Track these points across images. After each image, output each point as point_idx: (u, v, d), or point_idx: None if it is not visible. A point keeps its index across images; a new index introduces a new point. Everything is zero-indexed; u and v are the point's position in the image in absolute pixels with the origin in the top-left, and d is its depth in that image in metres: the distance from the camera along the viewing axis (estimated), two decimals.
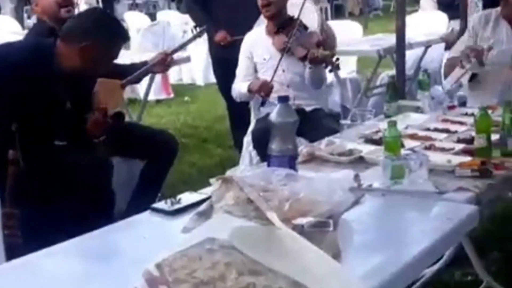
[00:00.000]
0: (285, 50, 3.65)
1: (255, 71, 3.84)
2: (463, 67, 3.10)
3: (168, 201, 1.92)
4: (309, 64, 3.59)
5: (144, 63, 3.59)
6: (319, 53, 3.52)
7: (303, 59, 3.63)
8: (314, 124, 3.42)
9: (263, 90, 3.62)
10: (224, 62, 4.37)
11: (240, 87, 3.81)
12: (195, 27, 3.94)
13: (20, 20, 9.00)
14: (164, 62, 3.55)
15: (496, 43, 3.17)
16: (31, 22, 10.04)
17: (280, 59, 3.65)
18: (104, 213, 2.80)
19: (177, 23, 8.75)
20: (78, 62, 2.81)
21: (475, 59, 3.08)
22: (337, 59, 3.58)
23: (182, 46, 4.06)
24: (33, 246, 1.96)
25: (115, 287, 1.34)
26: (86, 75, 2.92)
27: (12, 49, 2.90)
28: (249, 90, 3.70)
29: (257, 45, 3.83)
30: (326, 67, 3.60)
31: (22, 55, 2.79)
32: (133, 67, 3.57)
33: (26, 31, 8.02)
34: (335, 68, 3.64)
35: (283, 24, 3.75)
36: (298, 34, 3.66)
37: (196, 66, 7.69)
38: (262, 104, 3.69)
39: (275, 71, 3.64)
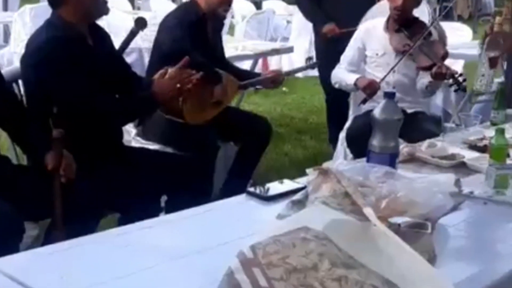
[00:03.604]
0: (405, 54, 3.52)
1: (364, 62, 3.76)
2: None
3: (263, 187, 1.94)
4: (431, 78, 3.45)
5: (258, 74, 3.81)
6: (447, 70, 3.36)
7: (425, 69, 3.50)
8: (415, 125, 3.33)
9: (370, 89, 3.52)
10: (329, 54, 4.34)
11: (345, 76, 3.71)
12: (309, 58, 4.07)
13: (131, 0, 9.29)
14: (276, 80, 3.65)
15: None
16: (140, 2, 10.35)
17: (399, 61, 3.53)
18: (204, 192, 2.87)
19: (282, 13, 8.77)
20: (77, 11, 2.55)
21: None
22: (464, 79, 3.40)
23: (295, 72, 4.16)
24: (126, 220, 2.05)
25: (210, 265, 1.37)
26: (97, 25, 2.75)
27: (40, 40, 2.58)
28: (355, 84, 3.62)
29: (373, 37, 3.73)
30: (451, 86, 3.45)
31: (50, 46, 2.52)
32: (249, 73, 3.87)
33: (136, 11, 8.31)
34: (462, 89, 3.45)
35: (405, 24, 3.64)
36: (422, 41, 3.53)
37: (297, 58, 7.69)
38: (364, 102, 3.61)
39: (388, 72, 3.53)
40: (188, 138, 3.19)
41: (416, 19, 3.70)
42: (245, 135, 3.51)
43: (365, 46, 3.74)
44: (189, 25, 3.32)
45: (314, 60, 4.16)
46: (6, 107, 2.48)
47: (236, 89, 3.53)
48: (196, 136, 3.20)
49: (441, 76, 3.40)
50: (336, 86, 3.82)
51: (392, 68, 3.54)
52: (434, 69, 3.40)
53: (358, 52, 3.76)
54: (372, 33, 3.74)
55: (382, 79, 3.53)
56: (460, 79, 3.38)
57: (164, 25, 3.45)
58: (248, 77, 3.65)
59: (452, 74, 3.37)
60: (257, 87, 7.01)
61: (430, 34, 3.62)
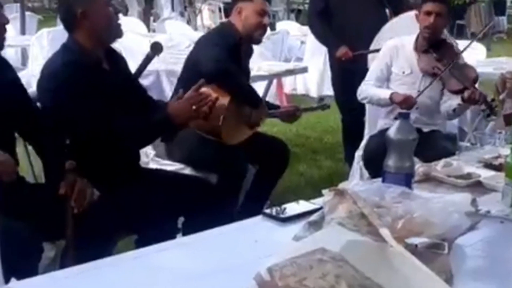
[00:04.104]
0: (436, 77, 3.51)
1: (388, 79, 3.74)
2: None
3: (279, 208, 1.94)
4: (461, 101, 3.43)
5: (277, 106, 3.84)
6: (480, 95, 3.33)
7: (456, 93, 3.48)
8: (430, 144, 3.32)
9: (406, 104, 3.44)
10: (344, 74, 4.36)
11: (377, 91, 3.68)
12: (321, 99, 4.13)
13: (147, 23, 9.39)
14: (294, 115, 3.66)
15: None
16: (155, 24, 10.46)
17: (430, 84, 3.51)
18: (228, 213, 2.88)
19: (296, 33, 8.82)
20: (92, 34, 2.60)
21: None
22: (496, 105, 3.30)
23: (311, 110, 4.23)
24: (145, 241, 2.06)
25: (227, 287, 1.38)
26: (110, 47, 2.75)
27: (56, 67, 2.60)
28: (390, 99, 3.57)
29: (400, 55, 3.71)
30: (483, 111, 3.37)
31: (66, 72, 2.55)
32: (268, 103, 3.84)
33: (151, 33, 8.39)
34: (494, 114, 3.32)
35: (434, 45, 3.63)
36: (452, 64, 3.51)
37: (311, 78, 7.72)
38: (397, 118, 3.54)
39: (419, 94, 3.51)
40: (219, 158, 3.21)
41: (444, 40, 3.69)
42: (263, 158, 3.52)
43: (392, 63, 3.72)
44: (227, 47, 3.34)
45: (325, 101, 4.23)
46: (31, 122, 2.52)
47: (264, 116, 3.55)
48: (228, 156, 3.21)
49: (474, 101, 3.37)
50: (365, 101, 3.79)
51: (423, 91, 3.52)
52: (466, 94, 3.37)
53: (386, 68, 3.73)
54: (400, 50, 3.72)
55: (416, 97, 3.52)
56: (493, 104, 3.32)
57: (202, 46, 3.47)
58: (268, 107, 3.66)
59: (485, 99, 3.33)
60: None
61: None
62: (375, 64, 3.79)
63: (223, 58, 3.26)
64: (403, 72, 3.67)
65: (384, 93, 3.61)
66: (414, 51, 3.67)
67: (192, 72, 3.36)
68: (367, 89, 3.73)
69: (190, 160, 3.28)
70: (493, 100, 3.34)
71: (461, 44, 4.41)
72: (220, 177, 3.09)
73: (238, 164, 3.26)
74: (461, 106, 3.47)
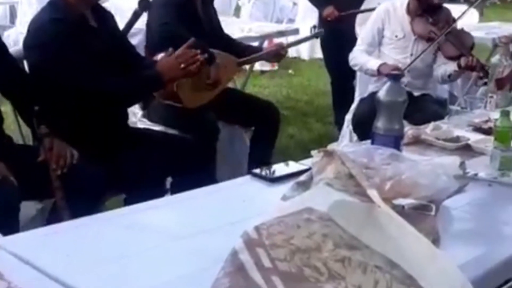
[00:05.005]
0: (433, 42, 3.47)
1: (380, 43, 3.70)
2: None
3: (268, 168, 1.94)
4: (458, 68, 3.42)
5: (260, 48, 3.70)
6: (477, 62, 3.33)
7: (452, 59, 3.47)
8: (420, 107, 3.32)
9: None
10: (333, 36, 4.32)
11: (366, 60, 3.62)
12: (314, 27, 4.01)
13: None
14: (278, 54, 3.57)
15: None
16: None
17: (426, 49, 3.47)
18: (206, 173, 2.87)
19: None
20: None
21: None
22: (487, 72, 3.25)
23: (298, 43, 4.09)
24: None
25: (214, 245, 1.37)
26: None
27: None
28: (378, 70, 3.51)
29: (392, 19, 3.65)
30: (481, 78, 3.37)
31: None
32: (248, 48, 3.68)
33: None
34: (486, 78, 3.25)
35: (428, 9, 3.57)
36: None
37: None
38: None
39: (414, 60, 3.47)
40: (188, 121, 3.17)
41: (439, 5, 3.65)
42: (255, 121, 3.49)
43: (384, 27, 3.67)
44: (175, 4, 3.23)
45: (317, 30, 4.09)
46: (12, 78, 2.48)
47: (235, 67, 3.46)
48: (195, 118, 3.17)
49: (471, 68, 3.36)
50: (355, 68, 3.76)
51: (417, 57, 3.49)
52: (463, 61, 3.36)
53: (378, 32, 3.68)
54: (392, 14, 3.66)
55: (408, 66, 3.48)
56: (486, 68, 3.29)
57: (153, 9, 3.30)
58: (249, 52, 3.56)
59: (482, 67, 3.31)
60: (264, 69, 7.02)
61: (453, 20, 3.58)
62: (366, 29, 3.74)
63: (170, 19, 3.15)
64: (396, 36, 3.63)
65: (373, 64, 3.56)
66: (406, 14, 3.62)
67: (150, 38, 3.30)
68: (358, 56, 3.68)
69: (167, 125, 3.25)
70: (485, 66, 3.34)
71: (453, 8, 4.38)
72: (194, 139, 3.05)
73: (206, 125, 3.21)
74: (457, 72, 3.46)
